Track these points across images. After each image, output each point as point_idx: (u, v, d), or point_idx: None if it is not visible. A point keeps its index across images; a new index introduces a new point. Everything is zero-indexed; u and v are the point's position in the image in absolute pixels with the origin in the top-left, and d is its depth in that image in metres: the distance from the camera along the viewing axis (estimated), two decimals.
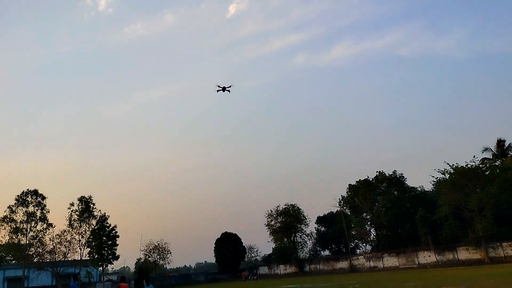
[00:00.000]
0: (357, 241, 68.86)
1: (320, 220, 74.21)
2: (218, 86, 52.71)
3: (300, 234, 71.16)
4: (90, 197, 62.53)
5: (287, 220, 69.31)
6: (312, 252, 73.17)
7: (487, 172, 48.40)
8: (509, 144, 55.18)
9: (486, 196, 44.20)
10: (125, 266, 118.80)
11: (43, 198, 59.52)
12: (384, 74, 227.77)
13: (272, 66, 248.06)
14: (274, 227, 70.04)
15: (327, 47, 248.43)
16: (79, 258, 60.35)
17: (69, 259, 58.10)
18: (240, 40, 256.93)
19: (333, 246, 72.19)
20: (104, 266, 64.44)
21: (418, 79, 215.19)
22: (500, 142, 55.61)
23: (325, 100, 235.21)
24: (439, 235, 51.00)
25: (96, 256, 61.15)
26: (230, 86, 53.17)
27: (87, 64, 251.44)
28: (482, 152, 55.95)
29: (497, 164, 51.50)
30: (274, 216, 70.49)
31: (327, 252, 73.57)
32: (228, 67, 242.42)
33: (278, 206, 70.98)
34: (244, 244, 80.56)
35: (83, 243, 60.55)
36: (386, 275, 40.98)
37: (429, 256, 52.62)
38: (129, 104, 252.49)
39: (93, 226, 61.66)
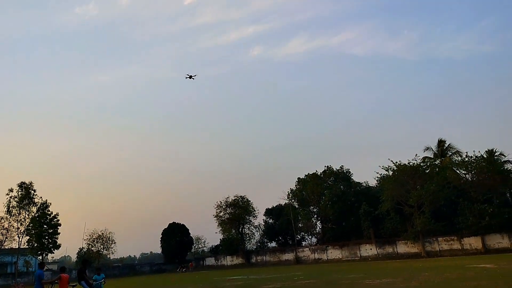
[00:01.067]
0: (303, 233, 69.96)
1: (269, 212, 74.86)
2: (187, 74, 66.72)
3: (248, 225, 71.59)
4: (31, 183, 59.57)
5: (236, 212, 69.39)
6: (259, 244, 73.74)
7: (427, 170, 50.72)
8: (449, 144, 58.09)
9: (425, 193, 46.31)
10: (66, 255, 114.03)
11: None
12: (336, 71, 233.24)
13: (228, 57, 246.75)
14: (223, 218, 69.91)
15: (283, 41, 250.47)
16: (17, 247, 57.46)
17: (6, 247, 55.09)
18: (197, 28, 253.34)
19: (280, 238, 73.04)
20: (44, 255, 61.72)
21: (368, 77, 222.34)
22: (441, 142, 58.45)
23: (277, 94, 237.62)
24: (381, 229, 52.83)
25: (35, 245, 58.48)
26: (195, 75, 67.59)
27: (34, 44, 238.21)
28: (424, 151, 58.71)
29: (437, 163, 54.14)
30: (223, 207, 70.36)
31: (274, 244, 74.41)
32: (183, 55, 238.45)
33: (228, 198, 71.06)
34: (191, 235, 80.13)
35: (21, 231, 57.66)
36: (330, 267, 42.06)
37: (371, 249, 54.55)
38: (76, 87, 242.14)
39: (33, 214, 58.82)
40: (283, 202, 72.00)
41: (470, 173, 49.00)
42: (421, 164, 51.48)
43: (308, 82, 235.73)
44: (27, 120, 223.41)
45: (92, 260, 67.86)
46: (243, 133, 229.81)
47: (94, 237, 69.36)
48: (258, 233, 73.73)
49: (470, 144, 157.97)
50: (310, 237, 70.09)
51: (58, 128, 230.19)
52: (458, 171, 50.50)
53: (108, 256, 77.49)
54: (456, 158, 54.40)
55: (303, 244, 69.29)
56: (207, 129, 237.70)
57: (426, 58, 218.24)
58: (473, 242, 46.39)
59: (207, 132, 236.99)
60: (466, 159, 49.24)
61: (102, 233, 70.12)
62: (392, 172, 50.56)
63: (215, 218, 70.70)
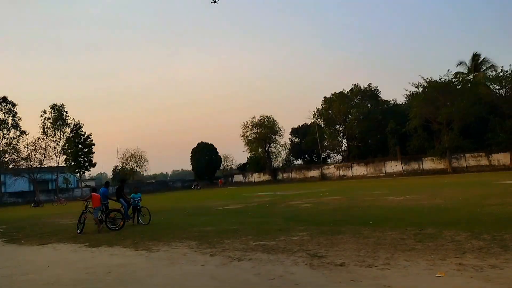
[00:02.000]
0: (329, 151, 70.93)
1: (295, 132, 75.40)
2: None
3: (274, 144, 72.69)
4: (62, 104, 61.21)
5: (262, 131, 70.22)
6: (285, 162, 75.17)
7: (459, 86, 48.97)
8: (484, 58, 55.08)
9: (455, 110, 45.22)
10: (103, 173, 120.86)
11: (14, 105, 57.88)
12: None
13: None
14: (250, 138, 71.02)
15: None
16: (55, 165, 60.58)
17: (46, 166, 58.23)
18: None
19: (306, 156, 74.20)
20: (81, 172, 65.14)
21: None
22: (475, 56, 55.45)
23: (304, 13, 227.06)
24: (407, 147, 52.79)
25: (72, 163, 61.46)
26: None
27: None
28: (457, 66, 56.15)
29: (469, 78, 52.05)
30: (250, 127, 71.18)
31: (299, 162, 75.83)
32: None
33: (254, 118, 71.54)
34: (220, 154, 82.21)
35: (58, 150, 60.37)
36: (354, 183, 42.79)
37: (396, 165, 54.99)
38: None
39: (67, 134, 61.11)
40: (309, 122, 72.50)
41: (504, 89, 47.10)
42: (453, 79, 49.61)
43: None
44: (64, 40, 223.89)
45: (127, 177, 71.35)
46: (270, 51, 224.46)
47: (127, 155, 72.28)
48: (284, 151, 75.01)
49: (507, 59, 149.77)
50: (335, 154, 71.42)
51: (88, 47, 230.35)
52: (491, 87, 48.55)
53: (141, 173, 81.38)
54: (490, 73, 51.89)
55: (329, 162, 70.45)
56: (239, 46, 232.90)
57: None
58: (501, 158, 45.92)
59: (235, 47, 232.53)
60: (501, 73, 47.00)
61: (135, 152, 72.95)
62: (422, 88, 49.23)
63: (242, 138, 72.09)
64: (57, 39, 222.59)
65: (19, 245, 12.59)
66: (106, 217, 14.47)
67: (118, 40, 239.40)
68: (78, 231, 13.96)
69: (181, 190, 72.26)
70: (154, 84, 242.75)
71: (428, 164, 51.87)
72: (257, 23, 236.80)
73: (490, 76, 50.03)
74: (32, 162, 55.62)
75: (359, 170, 59.42)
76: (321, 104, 67.88)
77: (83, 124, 62.63)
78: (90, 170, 66.97)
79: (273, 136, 71.33)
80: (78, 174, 66.13)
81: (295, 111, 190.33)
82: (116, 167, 75.14)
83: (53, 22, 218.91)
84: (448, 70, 47.83)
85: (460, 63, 55.78)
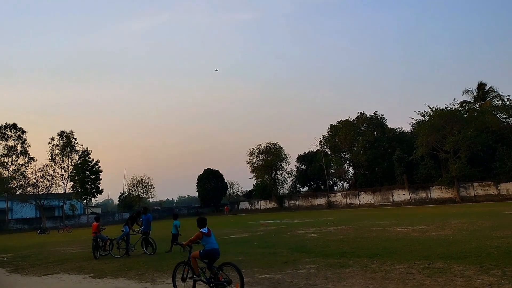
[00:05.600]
0: (335, 179, 70.56)
1: (301, 159, 75.33)
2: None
3: (280, 171, 72.37)
4: (71, 131, 61.94)
5: (268, 158, 70.11)
6: (291, 189, 74.85)
7: (465, 115, 48.95)
8: (490, 87, 55.17)
9: (462, 139, 45.02)
10: (109, 199, 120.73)
11: (23, 132, 58.63)
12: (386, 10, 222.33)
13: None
14: (256, 165, 70.87)
15: None
16: (62, 192, 60.71)
17: (53, 193, 58.37)
18: None
19: (312, 183, 73.80)
20: (88, 199, 65.15)
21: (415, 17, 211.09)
22: (481, 86, 55.54)
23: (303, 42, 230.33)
24: (414, 175, 52.44)
25: (79, 190, 61.58)
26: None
27: None
28: (463, 95, 56.31)
29: (475, 107, 51.98)
30: (256, 154, 71.10)
31: (306, 189, 75.42)
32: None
33: (260, 145, 71.45)
34: (226, 180, 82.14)
35: (66, 177, 60.63)
36: (361, 212, 42.35)
37: (404, 194, 54.40)
38: (113, 35, 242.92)
39: (75, 161, 61.49)
40: (315, 149, 72.32)
41: (510, 118, 46.95)
42: (459, 108, 49.63)
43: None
44: (72, 70, 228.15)
45: (133, 204, 71.20)
46: (275, 79, 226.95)
47: (134, 182, 72.37)
48: (291, 178, 74.64)
49: None
50: (342, 182, 70.94)
51: (96, 76, 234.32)
52: (498, 116, 48.43)
53: (148, 199, 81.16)
54: (496, 102, 51.86)
55: (335, 189, 69.99)
56: (241, 76, 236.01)
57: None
58: (510, 188, 45.29)
59: (241, 79, 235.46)
60: (508, 102, 46.93)
61: (141, 179, 73.01)
62: (428, 117, 49.25)
63: (248, 165, 71.75)
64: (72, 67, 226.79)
65: (23, 275, 12.49)
66: (146, 244, 15.78)
67: (128, 68, 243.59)
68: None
69: (187, 217, 71.82)
70: (163, 112, 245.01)
71: (436, 193, 51.32)
72: (264, 49, 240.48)
73: (497, 105, 49.99)
74: (39, 189, 55.82)
75: (366, 198, 58.88)
76: (328, 132, 67.94)
77: (91, 151, 63.22)
78: (96, 197, 67.11)
79: (280, 163, 71.06)
80: (85, 201, 66.15)
81: (301, 138, 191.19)
82: (122, 193, 75.23)
83: (68, 50, 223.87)
84: (454, 99, 47.99)
85: (466, 91, 55.95)
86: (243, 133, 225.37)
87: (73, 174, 61.04)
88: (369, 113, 65.79)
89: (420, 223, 20.99)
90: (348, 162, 66.44)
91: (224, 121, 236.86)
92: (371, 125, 64.53)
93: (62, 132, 61.27)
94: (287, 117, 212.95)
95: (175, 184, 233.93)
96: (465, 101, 54.13)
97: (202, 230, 7.59)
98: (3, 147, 57.21)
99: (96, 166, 63.31)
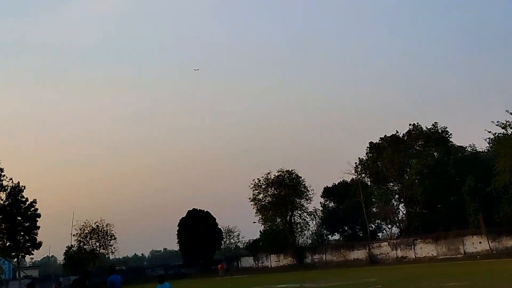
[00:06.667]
0: (379, 221, 70.53)
1: (328, 193, 75.06)
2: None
3: (299, 212, 71.92)
4: None
5: (281, 193, 69.87)
6: (315, 237, 74.64)
7: None
8: None
9: None
10: (50, 256, 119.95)
11: None
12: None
13: None
14: (263, 203, 70.75)
15: None
16: None
17: None
18: None
19: (346, 228, 73.55)
20: (20, 257, 64.76)
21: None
22: None
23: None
24: (495, 214, 51.92)
25: (7, 244, 61.21)
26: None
27: None
28: None
29: None
30: (263, 187, 71.12)
31: (337, 237, 75.27)
32: None
33: (269, 173, 71.20)
34: (220, 226, 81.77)
35: None
36: (419, 269, 41.77)
37: (480, 242, 53.58)
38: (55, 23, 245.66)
39: (1, 202, 61.32)
40: (348, 178, 71.88)
41: None
42: None
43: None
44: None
45: (86, 262, 70.60)
46: (286, 85, 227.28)
47: (87, 231, 72.17)
48: (314, 222, 74.38)
49: None
50: (389, 226, 70.71)
51: (30, 90, 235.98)
52: None
53: (107, 256, 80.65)
54: None
55: (380, 237, 69.72)
56: (241, 81, 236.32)
57: None
58: None
59: (241, 82, 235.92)
60: None
61: (97, 226, 72.79)
62: None
63: (252, 203, 71.46)
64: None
65: None
66: None
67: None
68: None
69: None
70: (128, 132, 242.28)
71: None
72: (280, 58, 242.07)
73: None
74: None
75: (425, 249, 58.25)
76: (366, 153, 67.73)
77: (24, 187, 62.86)
78: (33, 253, 66.55)
79: (298, 200, 70.83)
80: (16, 260, 65.70)
81: (328, 163, 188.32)
82: (70, 247, 74.54)
83: None
84: None
85: None
86: (244, 156, 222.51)
87: None
88: (426, 125, 65.45)
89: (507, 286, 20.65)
90: (397, 196, 66.30)
91: (215, 141, 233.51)
92: (429, 143, 64.47)
93: None
94: (307, 131, 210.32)
95: (147, 234, 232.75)
96: None
97: None
98: None
99: (32, 209, 62.96)
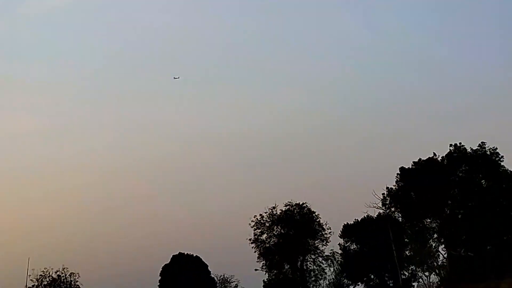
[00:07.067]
0: (414, 267, 68.96)
1: (349, 232, 73.57)
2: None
3: (313, 256, 71.23)
4: None
5: (289, 232, 69.34)
6: (333, 287, 73.07)
7: None
8: None
9: None
10: None
11: None
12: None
13: None
14: (267, 245, 69.82)
15: None
16: None
17: None
18: None
19: (372, 277, 71.89)
20: None
21: None
22: None
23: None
24: None
25: None
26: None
27: None
28: None
29: None
30: (267, 225, 70.36)
31: (360, 287, 73.58)
32: None
33: (275, 207, 70.31)
34: (212, 274, 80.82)
35: None
36: None
37: None
38: None
39: None
40: (374, 213, 70.06)
41: None
42: None
43: None
44: None
45: None
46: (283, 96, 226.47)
47: (45, 282, 69.60)
48: (332, 269, 73.16)
49: None
50: (426, 274, 69.15)
51: None
52: None
53: None
54: None
55: (415, 287, 69.17)
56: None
57: None
58: None
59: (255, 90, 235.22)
60: None
61: (59, 276, 70.35)
62: None
63: (253, 245, 70.44)
64: None
65: None
66: None
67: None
68: None
69: None
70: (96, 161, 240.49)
71: None
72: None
73: None
74: None
75: None
76: (396, 182, 66.31)
77: None
78: None
79: (311, 241, 70.34)
80: None
81: (348, 194, 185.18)
82: None
83: None
84: None
85: None
86: (242, 187, 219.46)
87: None
88: (470, 145, 64.06)
89: None
90: (436, 236, 64.51)
91: (205, 167, 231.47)
92: (475, 168, 62.81)
93: None
94: (321, 155, 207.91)
95: (120, 285, 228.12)
96: None
97: None
98: None
99: None
